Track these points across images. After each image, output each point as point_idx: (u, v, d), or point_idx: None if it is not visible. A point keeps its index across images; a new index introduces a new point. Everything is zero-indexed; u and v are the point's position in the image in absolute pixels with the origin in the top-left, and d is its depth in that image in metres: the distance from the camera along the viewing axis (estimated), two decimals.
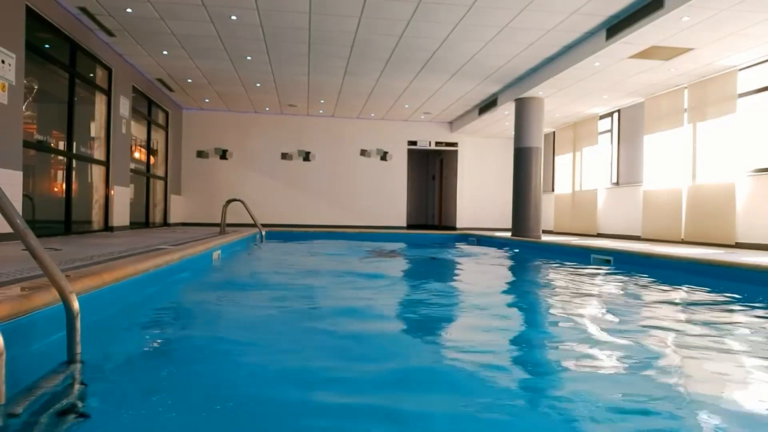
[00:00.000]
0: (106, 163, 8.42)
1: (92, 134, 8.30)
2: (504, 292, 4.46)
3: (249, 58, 8.68)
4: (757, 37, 6.44)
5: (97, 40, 7.79)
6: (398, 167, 14.14)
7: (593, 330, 2.95)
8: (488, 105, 11.18)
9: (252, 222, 9.24)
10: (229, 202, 8.72)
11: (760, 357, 2.41)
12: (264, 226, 9.32)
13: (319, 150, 13.77)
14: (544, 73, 8.55)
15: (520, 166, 9.90)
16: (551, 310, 3.57)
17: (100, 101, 8.39)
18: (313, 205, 13.69)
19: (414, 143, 14.20)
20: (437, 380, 1.96)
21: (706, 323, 3.11)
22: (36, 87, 6.64)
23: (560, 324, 3.10)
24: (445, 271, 6.04)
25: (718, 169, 7.98)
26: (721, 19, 5.88)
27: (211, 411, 1.61)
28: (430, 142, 14.27)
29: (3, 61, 5.32)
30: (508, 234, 10.27)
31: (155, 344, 2.43)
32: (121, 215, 8.82)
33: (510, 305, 3.89)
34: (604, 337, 2.81)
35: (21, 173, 5.71)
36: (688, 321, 3.20)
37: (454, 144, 14.38)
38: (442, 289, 4.44)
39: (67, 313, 1.78)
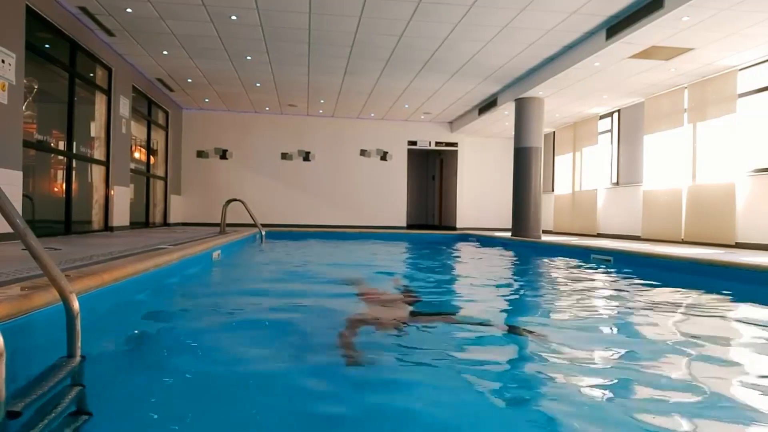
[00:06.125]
0: (106, 163, 8.42)
1: (92, 134, 8.30)
2: (502, 293, 4.46)
3: (249, 58, 8.68)
4: (757, 37, 6.44)
5: (97, 40, 7.79)
6: (398, 167, 14.14)
7: (593, 330, 2.95)
8: (488, 105, 11.18)
9: (252, 222, 9.24)
10: (228, 202, 8.71)
11: (759, 357, 2.41)
12: (264, 226, 9.31)
13: (319, 150, 13.77)
14: (544, 73, 8.55)
15: (520, 166, 9.90)
16: (551, 311, 3.57)
17: (100, 101, 8.38)
18: (313, 205, 13.69)
19: (414, 143, 14.20)
20: (430, 379, 1.96)
21: (705, 323, 3.11)
22: (36, 87, 6.64)
23: (560, 325, 3.10)
24: (443, 271, 6.03)
25: (718, 169, 7.98)
26: (721, 19, 5.88)
27: (210, 411, 1.61)
28: (430, 142, 14.27)
29: (3, 61, 5.32)
30: (508, 234, 10.27)
31: (155, 344, 2.43)
32: (121, 215, 8.82)
33: (509, 306, 3.89)
34: (603, 337, 2.81)
35: (21, 173, 5.70)
36: (688, 321, 3.20)
37: (454, 144, 14.38)
38: (441, 289, 4.44)
39: (67, 313, 1.78)
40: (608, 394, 1.85)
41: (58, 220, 7.07)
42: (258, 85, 10.49)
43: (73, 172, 7.40)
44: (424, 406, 1.68)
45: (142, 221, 10.61)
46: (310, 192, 13.72)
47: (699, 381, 2.02)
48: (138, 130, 10.32)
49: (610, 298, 4.02)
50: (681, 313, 3.44)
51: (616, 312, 3.49)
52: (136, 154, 10.31)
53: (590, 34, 7.09)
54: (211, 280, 4.74)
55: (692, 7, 5.50)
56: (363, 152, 13.99)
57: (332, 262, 6.65)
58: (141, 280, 3.16)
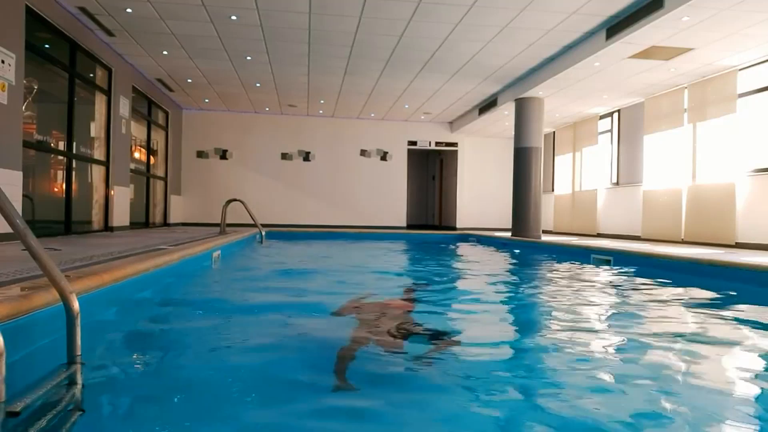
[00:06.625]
0: (106, 164, 8.42)
1: (92, 134, 8.30)
2: (503, 293, 4.46)
3: (249, 58, 8.68)
4: (757, 37, 6.44)
5: (97, 40, 7.79)
6: (398, 167, 14.14)
7: (593, 331, 2.95)
8: (488, 105, 11.18)
9: (252, 222, 9.24)
10: (228, 202, 8.71)
11: (758, 358, 2.41)
12: (264, 226, 9.31)
13: (319, 150, 13.77)
14: (544, 73, 8.55)
15: (520, 166, 9.90)
16: (551, 312, 3.57)
17: (100, 101, 8.38)
18: (313, 205, 13.69)
19: (414, 143, 14.20)
20: (431, 378, 1.96)
21: (705, 323, 3.11)
22: (36, 87, 6.64)
23: (560, 325, 3.10)
24: (442, 272, 6.04)
25: (718, 169, 7.97)
26: (721, 19, 5.88)
27: (210, 412, 1.61)
28: (430, 142, 14.27)
29: (3, 61, 5.32)
30: (508, 234, 10.27)
31: (155, 345, 2.43)
32: (121, 215, 8.82)
33: (508, 306, 3.89)
34: (603, 338, 2.81)
35: (21, 173, 5.70)
36: (688, 321, 3.20)
37: (454, 144, 14.38)
38: (439, 289, 4.44)
39: (67, 313, 1.78)
40: (608, 394, 1.85)
41: (58, 221, 7.06)
42: (258, 85, 10.49)
43: (73, 173, 7.40)
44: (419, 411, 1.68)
45: (142, 221, 10.61)
46: (310, 192, 13.72)
47: (698, 381, 2.02)
48: (138, 131, 10.32)
49: (610, 298, 4.02)
50: (681, 313, 3.44)
51: (616, 312, 3.49)
52: (136, 154, 10.31)
53: (590, 34, 7.09)
54: (212, 280, 4.74)
55: (692, 7, 5.50)
56: (363, 152, 13.99)
57: (332, 262, 6.65)
58: (141, 281, 3.16)
